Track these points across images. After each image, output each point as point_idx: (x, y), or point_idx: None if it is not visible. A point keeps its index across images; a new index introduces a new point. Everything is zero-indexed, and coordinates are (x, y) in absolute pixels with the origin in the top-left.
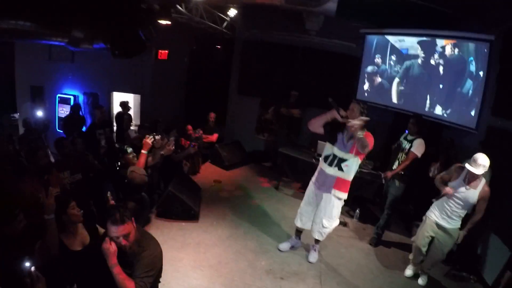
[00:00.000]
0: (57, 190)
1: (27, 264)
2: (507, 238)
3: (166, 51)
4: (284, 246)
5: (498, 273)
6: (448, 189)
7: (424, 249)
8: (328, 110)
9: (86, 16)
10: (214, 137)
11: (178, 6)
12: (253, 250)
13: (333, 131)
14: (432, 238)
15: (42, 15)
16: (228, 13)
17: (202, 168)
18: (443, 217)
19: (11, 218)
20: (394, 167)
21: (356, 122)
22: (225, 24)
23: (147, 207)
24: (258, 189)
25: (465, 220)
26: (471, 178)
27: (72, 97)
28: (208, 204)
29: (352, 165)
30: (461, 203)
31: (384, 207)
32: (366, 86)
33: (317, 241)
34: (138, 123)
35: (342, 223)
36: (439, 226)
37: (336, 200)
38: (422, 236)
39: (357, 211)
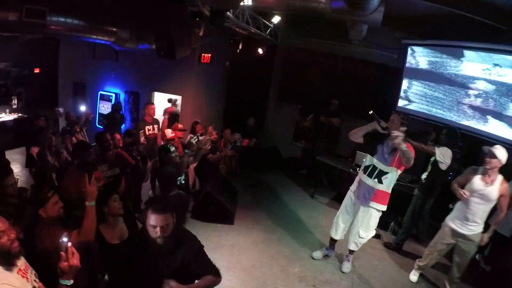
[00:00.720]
0: (100, 183)
1: (65, 239)
2: None
3: (209, 55)
4: (318, 254)
5: None
6: (463, 192)
7: (441, 254)
8: (368, 122)
9: (134, 17)
10: (252, 141)
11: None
12: (287, 256)
13: (374, 142)
14: (453, 245)
15: (90, 13)
16: (272, 20)
17: (238, 171)
18: (463, 224)
19: (44, 200)
20: (422, 175)
21: (399, 133)
22: (268, 30)
23: (184, 205)
24: (293, 195)
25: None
26: (487, 172)
27: (113, 95)
28: (244, 207)
29: (392, 178)
30: (482, 202)
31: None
32: (406, 98)
33: (351, 251)
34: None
35: (376, 235)
36: (458, 234)
37: (374, 212)
38: (440, 242)
39: (392, 224)
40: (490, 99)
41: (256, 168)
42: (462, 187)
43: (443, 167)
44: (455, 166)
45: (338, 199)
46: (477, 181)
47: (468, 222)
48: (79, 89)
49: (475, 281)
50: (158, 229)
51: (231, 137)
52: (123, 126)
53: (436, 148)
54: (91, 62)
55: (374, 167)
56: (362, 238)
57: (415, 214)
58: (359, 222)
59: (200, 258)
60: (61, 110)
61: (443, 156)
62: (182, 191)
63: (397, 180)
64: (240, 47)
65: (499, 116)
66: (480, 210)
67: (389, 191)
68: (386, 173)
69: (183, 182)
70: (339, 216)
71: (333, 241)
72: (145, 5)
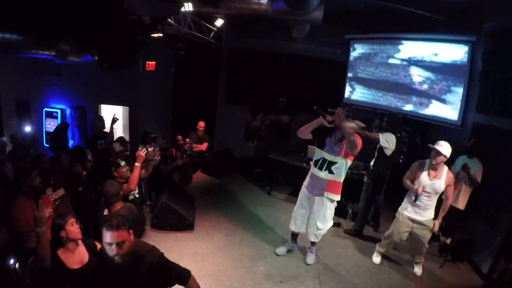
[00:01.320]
0: (50, 210)
1: (11, 261)
2: (498, 227)
3: (154, 62)
4: (281, 250)
5: (493, 261)
6: (417, 187)
7: (400, 243)
8: (315, 117)
9: (74, 29)
10: (204, 146)
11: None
12: (251, 256)
13: (322, 136)
14: (409, 232)
15: (28, 28)
16: (215, 23)
17: (193, 177)
18: (416, 212)
19: None
20: (371, 163)
21: (353, 125)
22: (212, 34)
23: (135, 217)
24: (250, 195)
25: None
26: (434, 167)
27: (59, 111)
28: (202, 213)
29: (342, 167)
30: (431, 195)
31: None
32: (352, 90)
33: (313, 243)
34: (128, 135)
35: (336, 224)
36: (413, 221)
37: (328, 203)
38: (398, 232)
39: (350, 211)
40: (430, 84)
41: (211, 172)
42: (412, 181)
43: (388, 152)
44: (404, 150)
45: (295, 194)
46: (424, 177)
47: (420, 210)
48: (22, 107)
49: (438, 253)
50: (114, 246)
51: (184, 143)
52: (71, 142)
53: (380, 134)
54: (34, 78)
55: (324, 160)
56: (320, 229)
57: (368, 200)
58: (316, 214)
59: (165, 267)
60: (4, 139)
61: (387, 141)
62: (129, 203)
63: (351, 169)
64: (183, 52)
65: (439, 98)
66: (430, 202)
67: (341, 180)
68: (335, 163)
69: (137, 196)
70: (296, 210)
71: (294, 235)
72: (85, 16)
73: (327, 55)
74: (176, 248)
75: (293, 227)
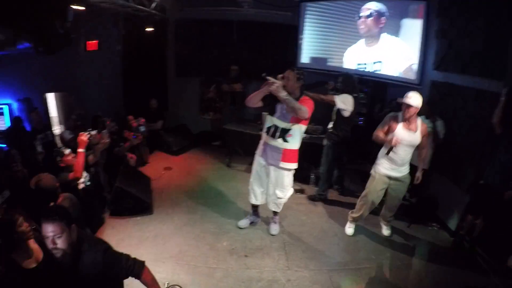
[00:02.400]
0: None
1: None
2: (463, 184)
3: (96, 41)
4: (243, 223)
5: (460, 217)
6: (395, 139)
7: (377, 202)
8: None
9: (6, 16)
10: (159, 124)
11: None
12: (213, 233)
13: (272, 103)
14: (385, 189)
15: None
16: None
17: (150, 158)
18: (393, 168)
19: None
20: (329, 125)
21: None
22: (153, 5)
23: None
24: (210, 169)
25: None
26: (409, 120)
27: (5, 106)
28: (161, 193)
29: (296, 134)
30: (408, 149)
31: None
32: (305, 53)
33: (275, 212)
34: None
35: (300, 191)
36: (390, 177)
37: (285, 171)
38: (375, 190)
39: (312, 176)
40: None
41: (168, 150)
42: (385, 135)
43: (346, 114)
44: (363, 111)
45: None
46: (400, 130)
47: (397, 166)
48: None
49: (404, 213)
50: (49, 240)
51: (135, 123)
52: None
53: (336, 96)
54: None
55: (276, 127)
56: (280, 198)
57: (330, 163)
58: (273, 183)
59: (112, 261)
60: None
61: (343, 102)
62: (69, 194)
63: (309, 133)
64: (123, 27)
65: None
66: (408, 154)
67: (297, 147)
68: (289, 130)
69: (88, 183)
70: (252, 181)
71: (254, 207)
72: (13, 2)
73: (278, 19)
74: (136, 232)
75: (253, 200)
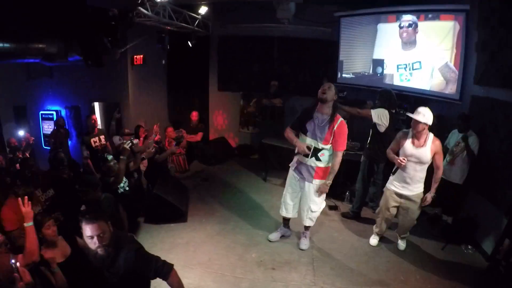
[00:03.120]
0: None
1: (13, 260)
2: (502, 205)
3: (141, 56)
4: (274, 236)
5: (497, 241)
6: (400, 159)
7: (391, 219)
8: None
9: (59, 30)
10: (199, 135)
11: (142, 9)
12: (243, 244)
13: (302, 122)
14: (397, 207)
15: (13, 34)
16: (199, 11)
17: (189, 167)
18: (403, 187)
19: None
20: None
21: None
22: (196, 22)
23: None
24: (246, 182)
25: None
26: (417, 136)
27: (54, 113)
28: (197, 202)
29: (328, 154)
30: (417, 164)
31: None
32: (346, 69)
33: (307, 227)
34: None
35: (333, 207)
36: (400, 195)
37: (317, 186)
38: (386, 208)
39: (347, 193)
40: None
41: (207, 161)
42: (397, 153)
43: (382, 129)
44: (402, 127)
45: None
46: (408, 145)
47: (407, 185)
48: (20, 112)
49: (440, 234)
50: (95, 239)
51: (175, 133)
52: (70, 142)
53: (372, 110)
54: (28, 83)
55: (309, 146)
56: (314, 212)
57: (364, 180)
58: (307, 198)
59: (142, 260)
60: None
61: (379, 117)
62: (109, 193)
63: (347, 150)
64: (164, 44)
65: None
66: (417, 172)
67: (329, 165)
68: (322, 149)
69: (127, 189)
70: (285, 194)
71: (286, 220)
72: (66, 16)
73: (317, 35)
74: (169, 238)
75: (284, 213)
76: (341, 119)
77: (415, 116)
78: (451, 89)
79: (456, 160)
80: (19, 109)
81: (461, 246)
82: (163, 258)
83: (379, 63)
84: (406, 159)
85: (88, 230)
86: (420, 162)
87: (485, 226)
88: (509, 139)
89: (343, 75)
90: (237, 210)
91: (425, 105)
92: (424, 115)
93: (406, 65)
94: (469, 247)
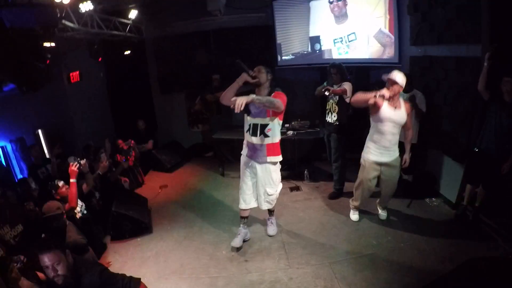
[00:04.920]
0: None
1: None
2: (455, 154)
3: (77, 72)
4: (237, 241)
5: (459, 188)
6: (383, 91)
7: (372, 189)
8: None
9: None
10: (149, 144)
11: (67, 23)
12: (212, 243)
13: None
14: (378, 177)
15: None
16: (129, 16)
17: (146, 178)
18: (382, 153)
19: None
20: (328, 118)
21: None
22: (128, 28)
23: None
24: (205, 181)
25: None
26: (392, 98)
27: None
28: (159, 211)
29: (275, 128)
30: (395, 127)
31: (332, 162)
32: (284, 51)
33: (270, 213)
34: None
35: (295, 188)
36: (380, 164)
37: (272, 166)
38: (367, 179)
39: (306, 172)
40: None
41: (162, 168)
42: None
43: (348, 100)
44: None
45: None
46: (386, 109)
47: (386, 150)
48: None
49: (403, 193)
50: (50, 269)
51: (125, 145)
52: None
53: (344, 85)
54: None
55: (255, 125)
56: (271, 195)
57: (343, 156)
58: (262, 181)
59: (105, 281)
60: None
61: (350, 89)
62: (70, 222)
63: (296, 129)
64: (99, 54)
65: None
66: (395, 135)
67: (277, 140)
68: (267, 125)
69: (85, 212)
70: (242, 185)
71: (243, 219)
72: None
73: (252, 22)
74: (138, 253)
75: (243, 205)
76: (275, 92)
77: (392, 76)
78: (389, 53)
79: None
80: None
81: (425, 200)
82: (135, 274)
83: (316, 40)
84: (382, 121)
85: (42, 260)
86: (398, 124)
87: (445, 177)
88: (452, 92)
89: (283, 57)
90: (200, 210)
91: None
92: (400, 76)
93: (341, 38)
94: (433, 199)
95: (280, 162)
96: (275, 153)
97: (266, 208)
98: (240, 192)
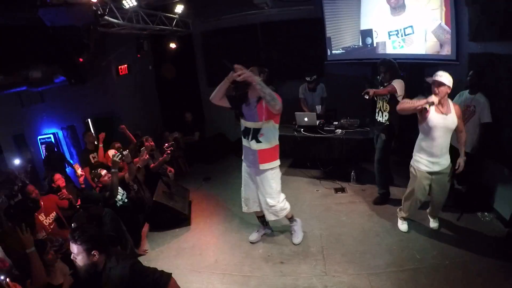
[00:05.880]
0: (43, 234)
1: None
2: None
3: (125, 65)
4: (254, 237)
5: None
6: (432, 98)
7: (423, 199)
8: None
9: (39, 54)
10: (196, 135)
11: (111, 19)
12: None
13: (238, 104)
14: (429, 185)
15: None
16: (175, 10)
17: (190, 168)
18: (433, 162)
19: None
20: (379, 118)
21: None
22: (174, 22)
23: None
24: None
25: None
26: (440, 102)
27: (51, 136)
28: (200, 203)
29: (268, 133)
30: (445, 133)
31: (375, 163)
32: (334, 45)
33: (290, 220)
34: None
35: (340, 189)
36: (432, 173)
37: (269, 173)
38: (419, 188)
39: (352, 173)
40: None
41: (207, 160)
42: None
43: (400, 99)
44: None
45: (294, 166)
46: (434, 114)
47: (437, 158)
48: (19, 141)
49: (454, 203)
50: (72, 256)
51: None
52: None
53: (394, 83)
54: (22, 111)
55: (247, 129)
56: (273, 205)
57: (387, 159)
58: (261, 192)
59: (138, 275)
60: None
61: (402, 88)
62: (109, 209)
63: (345, 128)
64: (146, 48)
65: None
66: (445, 141)
67: (273, 145)
68: (259, 129)
69: (126, 201)
70: (242, 190)
71: (260, 217)
72: (43, 39)
73: (300, 14)
74: (174, 244)
75: (245, 209)
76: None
77: (438, 78)
78: (447, 50)
79: (467, 126)
80: (18, 137)
81: (477, 214)
82: (170, 265)
83: (367, 33)
84: (433, 127)
85: (72, 249)
86: (448, 129)
87: (502, 192)
88: None
89: (333, 51)
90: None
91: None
92: (446, 76)
93: (397, 31)
94: (486, 214)
95: (323, 161)
96: (269, 159)
97: (273, 219)
98: (242, 196)
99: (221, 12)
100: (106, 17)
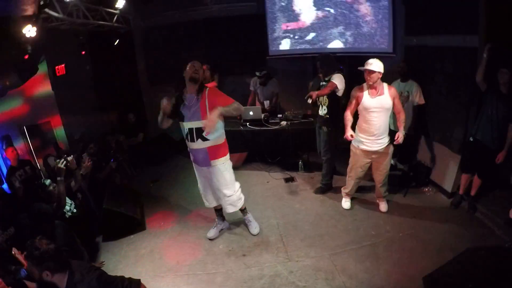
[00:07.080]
0: None
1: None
2: (451, 144)
3: (63, 65)
4: (212, 233)
5: (454, 177)
6: (349, 134)
7: (363, 176)
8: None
9: None
10: (139, 137)
11: (51, 12)
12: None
13: (176, 111)
14: (369, 163)
15: None
16: (116, 5)
17: (136, 171)
18: (373, 141)
19: None
20: (319, 111)
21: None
22: (115, 18)
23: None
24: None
25: None
26: (372, 87)
27: None
28: (152, 206)
29: (215, 130)
30: (381, 115)
31: (321, 156)
32: (277, 40)
33: (242, 212)
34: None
35: (289, 179)
36: (371, 152)
37: (221, 166)
38: (358, 166)
39: (300, 162)
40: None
41: (153, 161)
42: (356, 108)
43: (340, 93)
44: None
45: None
46: (367, 98)
47: (376, 137)
48: None
49: (398, 183)
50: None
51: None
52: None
53: (334, 78)
54: None
55: (191, 130)
56: (230, 196)
57: (332, 150)
58: (216, 185)
59: (106, 285)
60: None
61: (342, 82)
62: (59, 221)
63: (289, 119)
64: (84, 45)
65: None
66: (382, 122)
67: (221, 141)
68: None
69: (74, 211)
70: (200, 187)
71: (217, 211)
72: None
73: (244, 11)
74: (131, 251)
75: (206, 204)
76: (207, 88)
77: (368, 66)
78: (385, 44)
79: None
80: None
81: (421, 189)
82: (130, 273)
83: (308, 29)
84: (366, 112)
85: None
86: (383, 109)
87: (441, 167)
88: (448, 82)
89: (274, 47)
90: (194, 204)
91: (360, 65)
92: (376, 63)
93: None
94: (429, 188)
95: (271, 153)
96: (219, 154)
97: (232, 211)
98: (201, 192)
99: (163, 8)
100: (46, 9)
